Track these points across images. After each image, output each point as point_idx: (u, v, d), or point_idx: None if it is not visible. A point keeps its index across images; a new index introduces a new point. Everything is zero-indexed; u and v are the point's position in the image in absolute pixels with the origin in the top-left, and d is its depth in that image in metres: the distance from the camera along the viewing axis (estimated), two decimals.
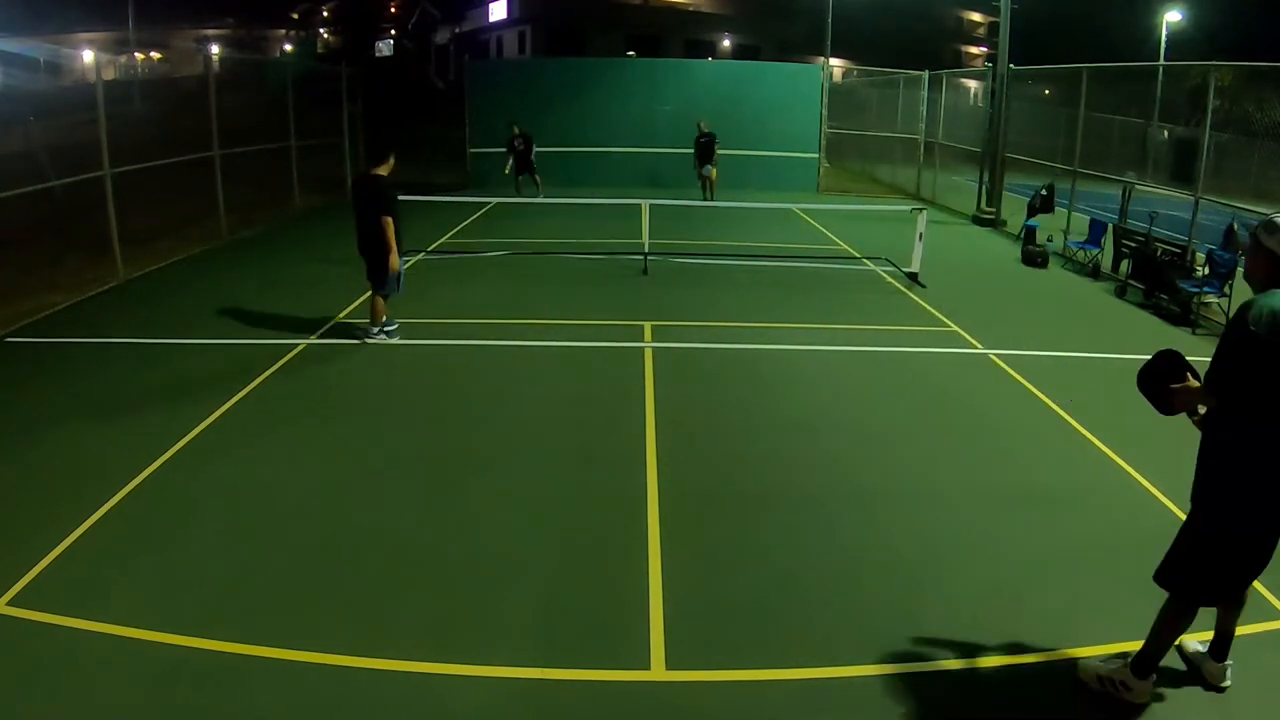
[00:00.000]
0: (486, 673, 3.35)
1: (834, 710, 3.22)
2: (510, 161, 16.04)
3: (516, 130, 15.98)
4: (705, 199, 15.83)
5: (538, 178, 15.97)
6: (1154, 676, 3.22)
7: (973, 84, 28.38)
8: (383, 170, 7.25)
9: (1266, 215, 3.02)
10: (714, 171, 15.93)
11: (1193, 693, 3.33)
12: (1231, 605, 3.29)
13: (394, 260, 7.13)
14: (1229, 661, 3.32)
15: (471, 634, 3.58)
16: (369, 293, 7.50)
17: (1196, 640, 3.47)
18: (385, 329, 7.49)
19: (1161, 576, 3.21)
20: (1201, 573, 3.10)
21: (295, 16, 56.91)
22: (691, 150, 16.27)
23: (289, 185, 14.49)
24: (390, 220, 7.07)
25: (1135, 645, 3.58)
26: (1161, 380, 3.09)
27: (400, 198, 11.41)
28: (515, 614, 3.73)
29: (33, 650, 3.41)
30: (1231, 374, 2.84)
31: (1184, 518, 4.41)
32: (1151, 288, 9.52)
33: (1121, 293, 10.03)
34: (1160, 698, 3.27)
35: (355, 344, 7.40)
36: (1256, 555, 3.03)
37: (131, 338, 7.45)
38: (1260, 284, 2.97)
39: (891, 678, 3.36)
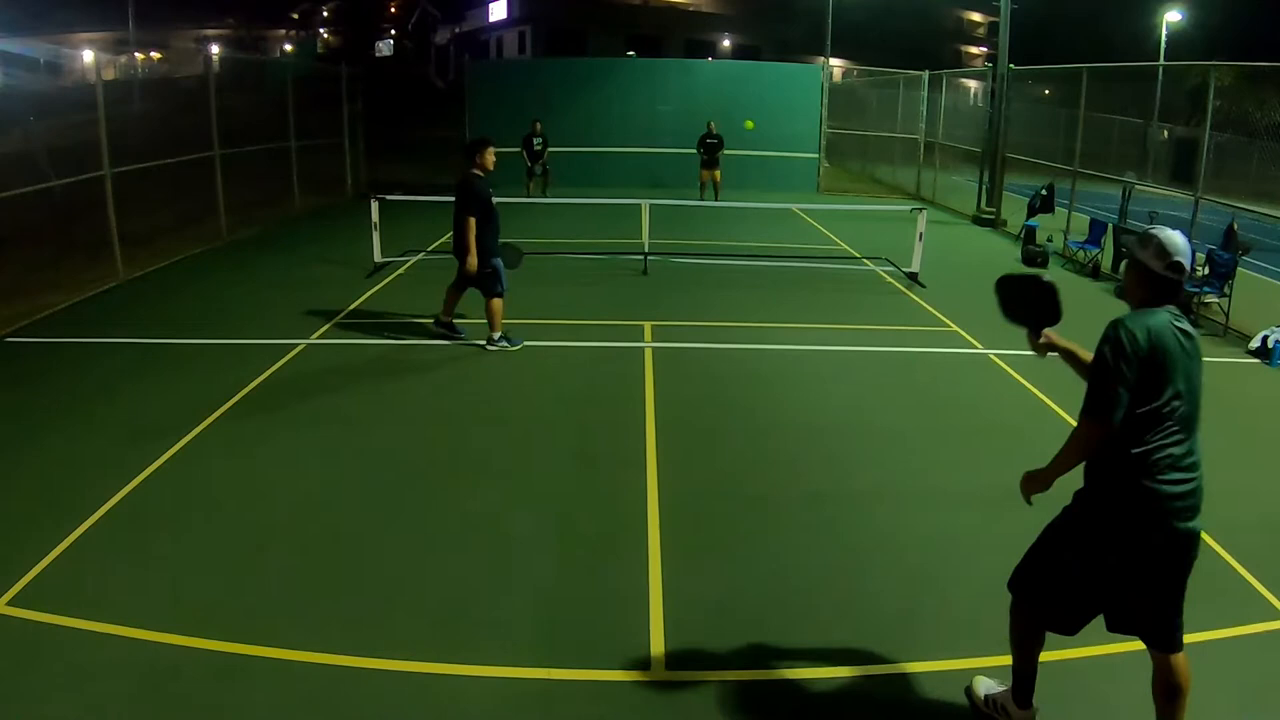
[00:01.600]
0: (487, 673, 3.35)
1: (834, 710, 3.22)
2: (530, 160, 15.93)
3: (539, 128, 15.95)
4: (703, 199, 15.79)
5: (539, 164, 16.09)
6: (1035, 708, 3.01)
7: (973, 84, 28.42)
8: (475, 169, 6.94)
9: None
10: (718, 174, 15.94)
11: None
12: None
13: (470, 261, 6.88)
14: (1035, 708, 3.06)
15: (471, 634, 3.58)
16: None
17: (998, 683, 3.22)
18: (498, 338, 7.24)
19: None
20: (1054, 574, 2.93)
21: (295, 16, 56.94)
22: (694, 150, 16.22)
23: (289, 185, 14.48)
24: (471, 220, 6.81)
25: (1137, 644, 3.59)
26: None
27: (401, 197, 11.49)
28: (516, 614, 3.73)
29: (33, 650, 3.41)
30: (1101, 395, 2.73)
31: None
32: None
33: (1121, 293, 10.02)
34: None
35: (357, 344, 7.40)
36: (1101, 574, 2.81)
37: (131, 338, 7.45)
38: (1137, 300, 2.89)
39: (892, 678, 3.37)
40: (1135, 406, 2.67)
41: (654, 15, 44.87)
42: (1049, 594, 2.93)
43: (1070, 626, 2.95)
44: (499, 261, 7.15)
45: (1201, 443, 2.74)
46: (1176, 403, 2.67)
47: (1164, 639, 2.82)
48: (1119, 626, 2.89)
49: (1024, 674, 3.03)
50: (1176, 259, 2.75)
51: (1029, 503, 3.04)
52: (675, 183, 17.44)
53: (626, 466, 5.14)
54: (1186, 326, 2.76)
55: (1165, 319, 2.73)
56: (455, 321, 7.53)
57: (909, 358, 7.43)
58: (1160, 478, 2.67)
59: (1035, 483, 3.03)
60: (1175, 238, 2.79)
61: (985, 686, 3.19)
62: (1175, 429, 2.67)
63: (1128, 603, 2.82)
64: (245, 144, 12.89)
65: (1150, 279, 2.82)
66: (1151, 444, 2.67)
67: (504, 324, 7.28)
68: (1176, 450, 2.67)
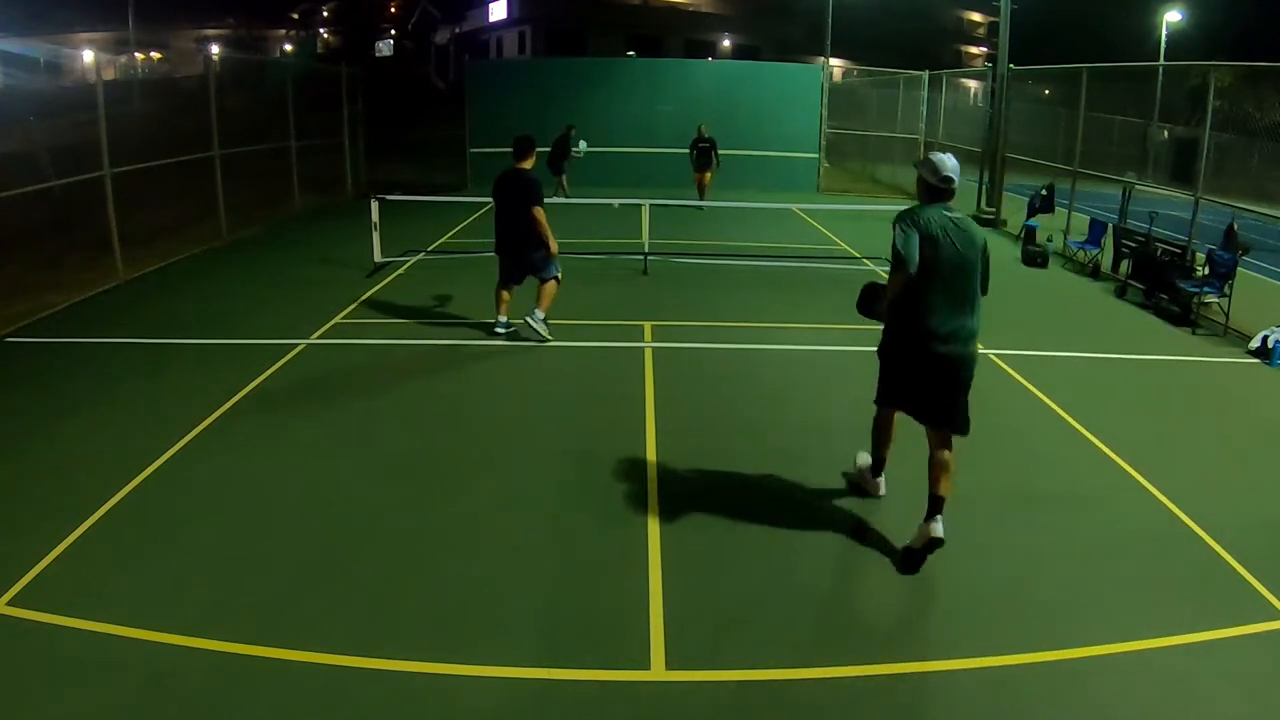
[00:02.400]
0: (487, 673, 3.35)
1: (834, 710, 3.22)
2: (564, 164, 15.62)
3: (574, 133, 15.71)
4: (700, 199, 15.69)
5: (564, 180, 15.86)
6: (881, 478, 4.74)
7: (973, 84, 28.41)
8: (527, 165, 7.32)
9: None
10: (709, 175, 15.67)
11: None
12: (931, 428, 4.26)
13: (554, 245, 7.23)
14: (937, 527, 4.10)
15: (471, 634, 3.58)
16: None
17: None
18: (500, 326, 7.59)
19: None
20: (881, 380, 4.42)
21: (295, 16, 56.94)
22: (686, 151, 16.03)
23: (289, 185, 14.48)
24: (543, 210, 7.15)
25: (1136, 645, 3.61)
26: (871, 299, 4.32)
27: (401, 197, 11.51)
28: (515, 614, 3.73)
29: (33, 650, 3.41)
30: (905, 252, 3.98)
31: (1181, 515, 4.53)
32: (1151, 288, 9.51)
33: (1121, 293, 10.03)
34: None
35: (357, 344, 7.39)
36: (905, 379, 4.24)
37: (131, 338, 7.45)
38: (922, 201, 4.11)
39: (891, 678, 3.36)
40: (920, 266, 3.91)
41: (654, 15, 44.86)
42: (886, 394, 4.41)
43: (897, 406, 4.42)
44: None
45: (974, 298, 4.08)
46: (943, 268, 3.93)
47: (945, 420, 4.15)
48: (923, 417, 4.24)
49: (879, 458, 4.67)
50: (945, 174, 4.03)
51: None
52: (675, 183, 17.43)
53: (626, 466, 5.14)
54: (956, 216, 4.04)
55: (936, 211, 4.01)
56: (504, 319, 7.65)
57: None
58: (925, 316, 3.98)
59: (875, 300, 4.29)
60: (945, 159, 4.06)
61: (861, 459, 4.79)
62: (937, 283, 3.94)
63: (921, 397, 4.18)
64: (245, 144, 12.90)
65: (928, 187, 4.09)
66: (920, 289, 3.94)
67: (508, 319, 7.58)
68: (936, 293, 3.96)
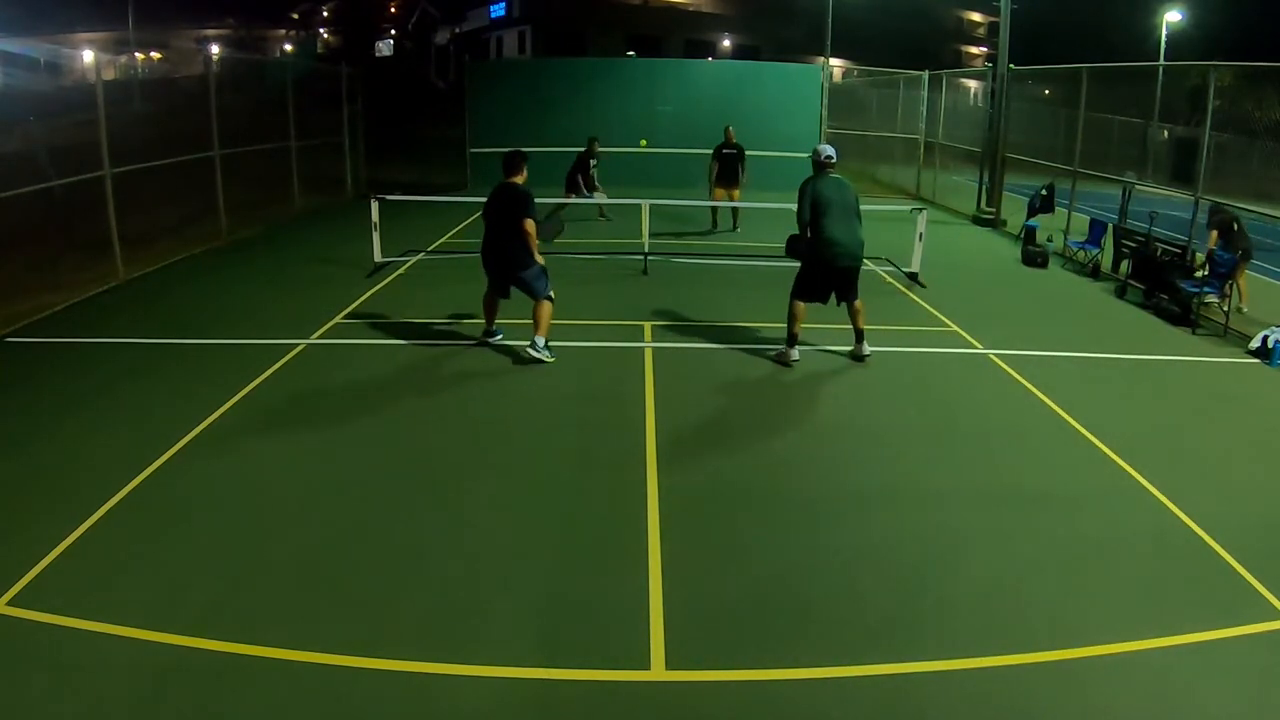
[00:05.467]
0: (486, 673, 3.35)
1: (833, 710, 3.22)
2: (587, 189, 13.40)
3: (597, 148, 13.68)
4: (715, 224, 13.46)
5: (597, 192, 13.67)
6: (795, 349, 7.08)
7: (973, 84, 28.38)
8: (518, 179, 7.06)
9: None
10: (737, 193, 13.05)
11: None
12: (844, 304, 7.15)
13: (539, 258, 6.98)
14: (865, 347, 7.14)
15: (472, 634, 3.58)
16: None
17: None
18: (489, 335, 7.37)
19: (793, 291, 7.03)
20: (801, 284, 6.95)
21: (295, 16, 56.94)
22: (709, 151, 13.42)
23: (289, 185, 14.47)
24: (533, 224, 6.87)
25: (1136, 645, 3.61)
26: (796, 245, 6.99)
27: (401, 197, 11.50)
28: (515, 614, 3.73)
29: (33, 650, 3.41)
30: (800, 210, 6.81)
31: (1181, 515, 4.57)
32: (1151, 288, 9.51)
33: (1121, 293, 10.03)
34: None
35: (357, 344, 7.40)
36: (820, 282, 6.94)
37: (131, 338, 7.45)
38: (815, 172, 6.90)
39: (891, 678, 3.37)
40: (814, 211, 6.69)
41: (654, 15, 44.91)
42: (804, 291, 6.96)
43: (814, 300, 6.98)
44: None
45: (856, 225, 6.95)
46: (831, 209, 6.68)
47: (847, 298, 7.05)
48: (839, 299, 7.06)
49: (792, 335, 7.03)
50: (825, 156, 6.91)
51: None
52: (675, 183, 17.40)
53: (626, 466, 5.14)
54: (839, 178, 6.89)
55: (824, 176, 6.82)
56: (493, 328, 7.41)
57: (909, 358, 7.43)
58: (825, 236, 6.72)
59: (798, 241, 7.03)
60: (823, 147, 6.98)
61: (790, 352, 7.08)
62: (831, 218, 6.68)
63: (833, 289, 6.95)
64: (245, 144, 12.87)
65: (817, 163, 6.87)
66: (821, 224, 6.70)
67: (501, 322, 7.35)
68: (831, 225, 6.70)
